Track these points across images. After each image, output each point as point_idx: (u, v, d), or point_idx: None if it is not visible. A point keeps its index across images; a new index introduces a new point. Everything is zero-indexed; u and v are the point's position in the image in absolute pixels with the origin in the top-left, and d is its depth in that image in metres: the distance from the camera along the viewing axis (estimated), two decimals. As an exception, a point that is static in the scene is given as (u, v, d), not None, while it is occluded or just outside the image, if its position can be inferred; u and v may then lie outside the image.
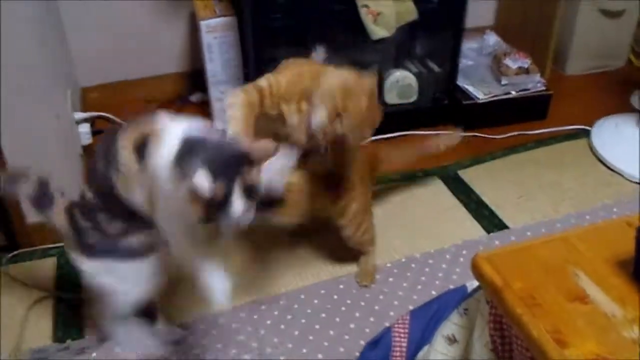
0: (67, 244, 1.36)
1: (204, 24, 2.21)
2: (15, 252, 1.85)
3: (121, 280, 1.31)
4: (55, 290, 1.73)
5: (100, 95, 2.51)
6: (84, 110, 2.32)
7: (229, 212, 1.09)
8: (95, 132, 2.23)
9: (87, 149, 2.17)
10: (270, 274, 1.76)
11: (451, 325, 1.16)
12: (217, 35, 2.22)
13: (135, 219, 1.24)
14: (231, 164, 1.10)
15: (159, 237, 1.25)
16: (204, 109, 2.47)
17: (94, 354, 1.53)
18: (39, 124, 1.73)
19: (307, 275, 1.77)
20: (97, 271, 1.32)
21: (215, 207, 1.08)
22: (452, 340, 1.15)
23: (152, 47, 2.53)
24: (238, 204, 1.09)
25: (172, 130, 1.15)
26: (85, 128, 2.17)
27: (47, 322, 1.64)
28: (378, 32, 2.13)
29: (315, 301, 1.69)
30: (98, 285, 1.34)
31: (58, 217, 1.33)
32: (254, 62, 2.16)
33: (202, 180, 1.03)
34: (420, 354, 1.45)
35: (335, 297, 1.70)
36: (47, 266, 1.81)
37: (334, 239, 1.75)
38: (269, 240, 1.84)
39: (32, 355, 1.53)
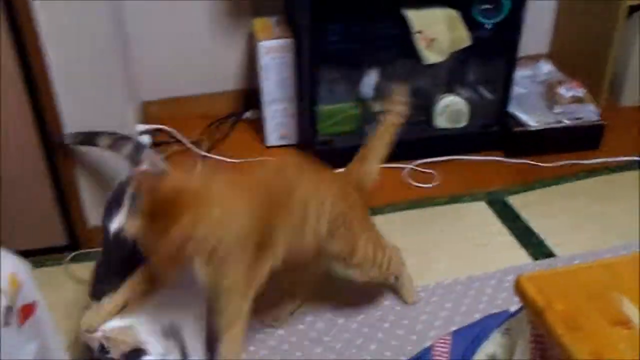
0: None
1: (262, 45, 2.30)
2: (76, 252, 1.95)
3: None
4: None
5: (160, 109, 2.62)
6: (144, 123, 2.43)
7: None
8: (155, 144, 2.32)
9: None
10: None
11: (493, 344, 1.17)
12: (274, 56, 2.30)
13: None
14: None
15: None
16: (256, 126, 2.56)
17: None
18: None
19: (352, 291, 1.79)
20: None
21: None
22: (492, 358, 1.17)
23: (211, 65, 2.63)
24: None
25: None
26: (145, 140, 2.27)
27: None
28: (431, 57, 2.18)
29: (360, 317, 1.73)
30: None
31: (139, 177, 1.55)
32: (309, 83, 2.23)
33: None
34: (462, 375, 1.47)
35: (379, 313, 1.74)
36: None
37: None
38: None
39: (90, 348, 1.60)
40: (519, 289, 1.04)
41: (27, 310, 1.22)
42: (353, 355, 1.62)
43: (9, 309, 1.14)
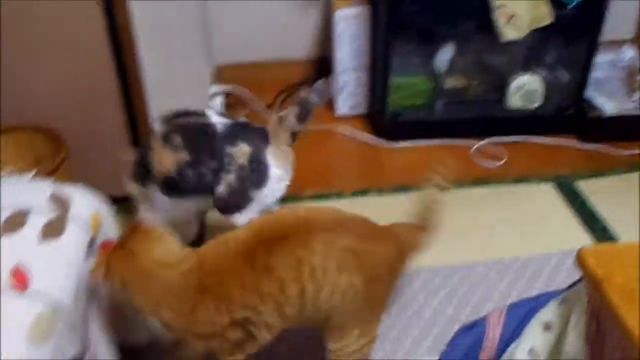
0: None
1: (338, 13, 2.32)
2: None
3: None
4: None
5: (234, 73, 2.67)
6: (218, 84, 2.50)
7: None
8: (228, 106, 2.39)
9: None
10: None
11: (549, 312, 1.19)
12: (350, 24, 2.33)
13: None
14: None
15: None
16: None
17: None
18: (184, 94, 1.91)
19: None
20: None
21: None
22: (547, 327, 1.18)
23: (287, 31, 2.67)
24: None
25: None
26: (218, 101, 2.34)
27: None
28: (509, 33, 2.16)
29: (416, 286, 1.76)
30: None
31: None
32: (383, 53, 2.24)
33: None
34: (510, 348, 1.49)
35: (437, 281, 1.77)
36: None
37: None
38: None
39: None
40: (579, 261, 1.06)
41: (108, 246, 1.29)
42: (409, 317, 1.66)
43: (92, 241, 1.23)
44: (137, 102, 1.88)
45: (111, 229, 1.34)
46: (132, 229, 1.23)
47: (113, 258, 1.19)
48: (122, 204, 1.99)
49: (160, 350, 1.46)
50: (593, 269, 1.02)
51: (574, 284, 1.16)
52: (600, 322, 1.03)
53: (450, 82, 2.40)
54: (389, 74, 2.28)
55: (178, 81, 1.84)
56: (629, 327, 0.90)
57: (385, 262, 1.31)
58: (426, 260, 1.81)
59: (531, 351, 1.20)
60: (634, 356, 0.89)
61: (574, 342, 1.08)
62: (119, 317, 1.40)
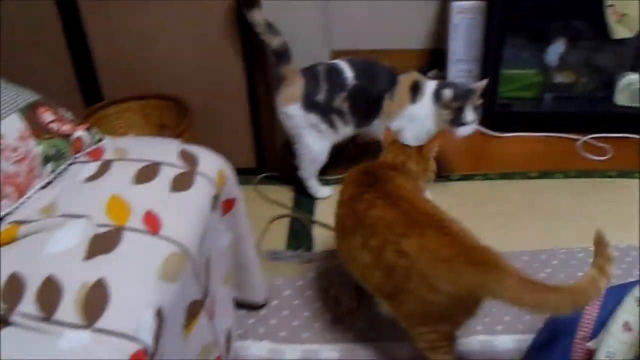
0: (289, 94, 2.00)
1: (455, 5, 2.50)
2: (264, 175, 2.30)
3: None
4: (293, 210, 2.15)
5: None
6: None
7: (463, 118, 2.05)
8: None
9: None
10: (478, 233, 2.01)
11: (627, 313, 1.32)
12: (466, 16, 2.50)
13: (359, 120, 2.08)
14: (465, 92, 2.04)
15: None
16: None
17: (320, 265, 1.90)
18: None
19: (511, 242, 1.98)
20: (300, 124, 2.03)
21: (456, 113, 2.04)
22: (627, 328, 1.31)
23: (402, 22, 2.85)
24: (469, 113, 2.05)
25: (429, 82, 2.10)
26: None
27: (283, 234, 2.05)
28: (620, 32, 2.27)
29: (517, 266, 1.88)
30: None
31: (290, 73, 1.98)
32: (496, 45, 2.39)
33: (448, 92, 2.02)
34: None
35: (536, 265, 1.91)
36: (287, 190, 2.25)
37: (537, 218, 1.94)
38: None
39: (270, 255, 1.94)
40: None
41: (229, 204, 1.46)
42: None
43: (216, 197, 1.35)
44: (259, 80, 2.11)
45: (234, 188, 1.47)
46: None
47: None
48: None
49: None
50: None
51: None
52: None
53: (560, 77, 2.53)
54: (500, 66, 2.42)
55: (298, 60, 2.03)
56: None
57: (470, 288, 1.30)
58: (527, 243, 1.98)
59: (625, 324, 1.32)
60: None
61: None
62: (240, 275, 1.61)
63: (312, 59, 2.09)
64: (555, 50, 2.46)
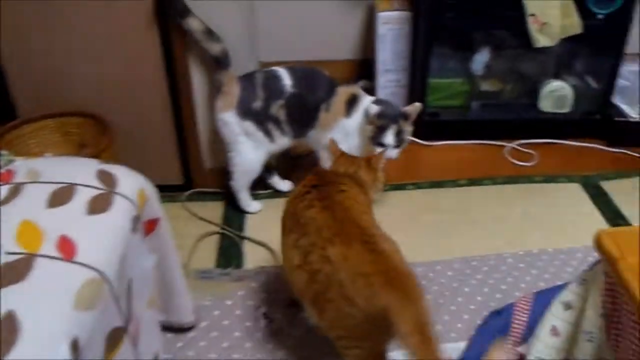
0: (227, 101, 1.99)
1: (381, 16, 2.51)
2: (192, 191, 2.24)
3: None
4: (222, 226, 2.10)
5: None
6: None
7: (383, 138, 1.98)
8: None
9: None
10: (412, 242, 2.02)
11: (569, 293, 1.34)
12: (392, 27, 2.51)
13: (295, 130, 2.05)
14: (393, 113, 1.99)
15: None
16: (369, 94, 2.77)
17: (252, 284, 1.86)
18: None
19: (443, 250, 2.00)
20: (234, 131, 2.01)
21: (377, 131, 1.97)
22: (568, 306, 1.34)
23: (329, 32, 2.85)
24: (389, 136, 1.98)
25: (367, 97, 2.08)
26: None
27: (212, 252, 2.00)
28: (541, 41, 2.33)
29: (449, 273, 1.93)
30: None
31: (228, 80, 1.98)
32: (423, 55, 2.43)
33: (374, 108, 1.98)
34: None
35: (468, 271, 1.94)
36: (216, 206, 2.20)
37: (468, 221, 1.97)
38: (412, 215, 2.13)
39: (198, 275, 1.89)
40: (597, 242, 1.22)
41: (152, 225, 1.41)
42: (441, 305, 1.82)
43: (137, 218, 1.30)
44: (183, 95, 2.07)
45: (157, 208, 1.42)
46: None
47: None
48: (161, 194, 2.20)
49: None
50: (609, 248, 1.18)
51: (592, 266, 1.33)
52: (616, 298, 1.19)
53: (486, 85, 2.59)
54: (427, 76, 2.46)
55: None
56: None
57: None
58: (458, 251, 2.01)
59: (553, 329, 1.35)
60: None
61: (592, 318, 1.23)
62: (166, 297, 1.56)
63: (239, 71, 2.05)
64: (481, 59, 2.51)
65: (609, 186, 2.33)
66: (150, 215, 1.39)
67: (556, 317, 1.37)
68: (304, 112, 2.04)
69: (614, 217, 2.18)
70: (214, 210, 2.18)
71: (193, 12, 1.90)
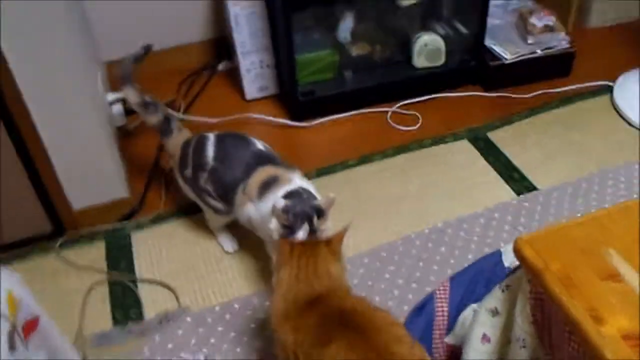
0: (173, 163, 1.92)
1: (228, -4, 2.34)
2: (64, 238, 2.02)
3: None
4: (108, 272, 1.92)
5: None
6: (113, 88, 2.40)
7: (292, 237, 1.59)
8: (128, 112, 2.27)
9: (121, 130, 2.31)
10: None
11: (494, 299, 1.34)
12: (244, 6, 2.35)
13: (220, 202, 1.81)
14: (305, 210, 1.59)
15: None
16: (233, 79, 2.62)
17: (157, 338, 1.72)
18: (75, 107, 1.85)
19: (350, 246, 1.92)
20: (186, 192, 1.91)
21: (287, 231, 1.58)
22: (494, 312, 1.34)
23: (175, 15, 2.61)
24: (300, 238, 1.57)
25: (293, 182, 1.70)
26: (118, 109, 2.25)
27: (105, 306, 1.83)
28: (405, 0, 2.28)
29: (361, 270, 1.90)
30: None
31: (174, 144, 1.89)
32: (284, 31, 2.28)
33: (280, 203, 1.57)
34: (461, 318, 1.67)
35: (378, 264, 1.91)
36: (97, 249, 2.00)
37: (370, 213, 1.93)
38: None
39: (96, 341, 1.72)
40: (517, 252, 1.20)
41: (30, 325, 1.26)
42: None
43: (12, 332, 1.17)
44: (26, 134, 1.82)
45: (32, 304, 1.26)
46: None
47: None
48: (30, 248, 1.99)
49: None
50: (531, 259, 1.16)
51: (515, 270, 1.32)
52: (545, 306, 1.20)
53: (356, 50, 2.51)
54: (293, 52, 2.32)
55: (65, 99, 1.80)
56: (573, 312, 1.05)
57: None
58: (365, 244, 1.97)
59: (484, 336, 1.35)
60: (580, 336, 1.04)
61: (522, 325, 1.23)
62: None
63: (79, 78, 1.84)
64: (346, 25, 2.43)
65: (495, 136, 2.36)
66: (26, 317, 1.23)
67: (484, 324, 1.38)
68: (224, 190, 1.79)
69: (507, 170, 2.22)
70: (95, 254, 1.98)
71: (132, 81, 1.89)
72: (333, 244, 1.42)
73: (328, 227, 1.62)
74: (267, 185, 1.70)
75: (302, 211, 1.58)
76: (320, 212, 1.60)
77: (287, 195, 1.64)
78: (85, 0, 2.38)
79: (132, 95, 1.91)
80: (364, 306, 1.35)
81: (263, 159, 1.76)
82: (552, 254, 1.17)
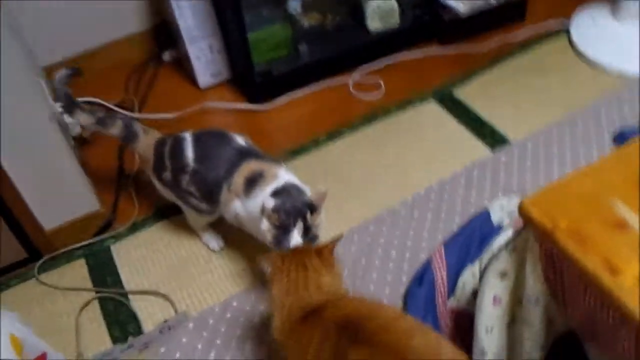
0: (147, 167, 1.84)
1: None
2: (41, 261, 1.94)
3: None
4: (96, 290, 1.86)
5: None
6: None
7: (288, 242, 1.54)
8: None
9: (77, 140, 2.21)
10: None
11: (502, 262, 1.35)
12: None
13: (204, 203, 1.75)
14: (297, 207, 1.55)
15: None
16: (181, 67, 2.55)
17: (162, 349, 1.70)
18: (27, 123, 1.77)
19: (336, 227, 1.87)
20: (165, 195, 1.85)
21: (279, 232, 1.55)
22: (504, 275, 1.35)
23: (109, 7, 2.48)
24: (295, 238, 1.54)
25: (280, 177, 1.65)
26: (68, 120, 2.15)
27: (100, 325, 1.78)
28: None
29: (353, 249, 1.89)
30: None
31: (144, 147, 1.82)
32: (231, 10, 2.20)
33: (270, 201, 1.53)
34: (460, 281, 1.69)
35: (369, 239, 1.91)
36: (78, 267, 1.93)
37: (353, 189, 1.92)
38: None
39: None
40: (525, 214, 1.20)
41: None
42: (358, 287, 1.79)
43: None
44: None
45: (36, 342, 1.27)
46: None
47: None
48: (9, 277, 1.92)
49: None
50: (539, 220, 1.17)
51: (520, 232, 1.33)
52: (556, 264, 1.21)
53: (307, 21, 2.47)
54: (245, 32, 2.25)
55: (16, 117, 1.70)
56: (589, 267, 1.07)
57: None
58: (353, 220, 1.96)
59: (495, 299, 1.36)
60: (598, 289, 1.06)
61: (534, 285, 1.25)
62: None
63: (26, 93, 1.75)
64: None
65: (461, 93, 2.37)
66: (34, 354, 1.25)
67: (494, 287, 1.39)
68: (208, 190, 1.74)
69: (478, 126, 2.24)
70: (77, 273, 1.92)
71: (76, 104, 1.82)
72: (324, 255, 1.39)
73: (322, 221, 1.59)
74: (253, 181, 1.65)
75: (294, 208, 1.55)
76: (313, 208, 1.57)
77: (276, 193, 1.60)
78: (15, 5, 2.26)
79: (83, 118, 1.83)
80: (364, 308, 1.34)
81: (245, 154, 1.71)
82: (558, 212, 1.17)
